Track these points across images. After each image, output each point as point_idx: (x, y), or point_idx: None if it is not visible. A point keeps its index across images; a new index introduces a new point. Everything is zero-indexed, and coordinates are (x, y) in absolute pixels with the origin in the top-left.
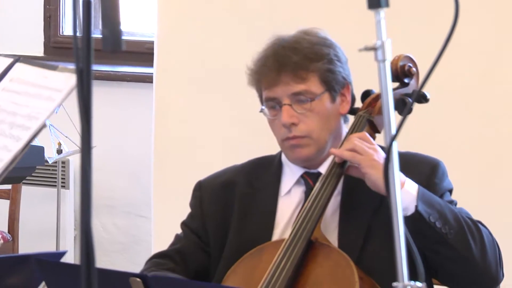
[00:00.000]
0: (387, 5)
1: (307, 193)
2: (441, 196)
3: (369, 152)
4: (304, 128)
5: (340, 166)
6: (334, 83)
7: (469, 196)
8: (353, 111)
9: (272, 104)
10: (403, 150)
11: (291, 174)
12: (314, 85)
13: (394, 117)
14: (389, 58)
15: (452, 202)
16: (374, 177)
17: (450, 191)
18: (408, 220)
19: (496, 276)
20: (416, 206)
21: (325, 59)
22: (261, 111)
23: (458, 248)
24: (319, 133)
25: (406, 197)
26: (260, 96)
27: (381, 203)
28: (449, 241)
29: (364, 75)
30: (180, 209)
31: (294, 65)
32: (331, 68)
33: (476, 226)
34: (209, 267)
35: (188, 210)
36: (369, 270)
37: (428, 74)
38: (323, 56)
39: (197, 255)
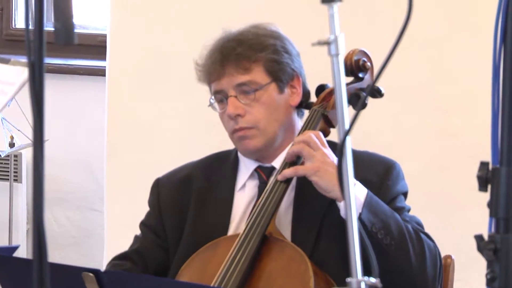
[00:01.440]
0: None
1: (260, 188)
2: (393, 200)
3: (316, 157)
4: (250, 118)
5: (293, 163)
6: (281, 74)
7: (422, 192)
8: (308, 105)
9: (220, 98)
10: (358, 148)
11: (245, 168)
12: (258, 76)
13: (347, 111)
14: (343, 52)
15: (403, 208)
16: (319, 184)
17: (405, 194)
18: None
19: None
20: (360, 214)
21: (269, 49)
22: (210, 105)
23: (397, 261)
24: (266, 124)
25: None
26: (210, 90)
27: (334, 201)
28: (389, 253)
29: (319, 69)
30: (133, 203)
31: (237, 56)
32: (276, 58)
33: (418, 239)
34: (168, 264)
35: (141, 204)
36: (322, 265)
37: (381, 68)
38: (267, 47)
39: (156, 253)
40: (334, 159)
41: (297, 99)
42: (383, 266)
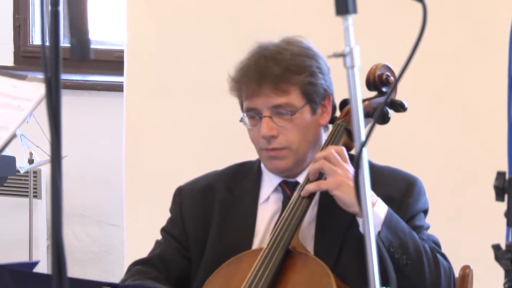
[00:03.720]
0: (355, 11)
1: (284, 202)
2: (413, 218)
3: (337, 172)
4: (283, 140)
5: (316, 179)
6: (315, 96)
7: (440, 203)
8: (332, 120)
9: (252, 114)
10: (383, 160)
11: (269, 182)
12: (295, 98)
13: (363, 123)
14: (358, 64)
15: (422, 227)
16: (341, 199)
17: (425, 211)
18: (379, 239)
19: None
20: (379, 232)
21: (307, 71)
22: (241, 120)
23: (412, 280)
24: (298, 145)
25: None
26: (241, 104)
27: (356, 216)
28: (405, 271)
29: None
30: (152, 217)
31: (276, 77)
32: (312, 81)
33: (435, 259)
34: (190, 272)
35: (160, 216)
36: (344, 278)
37: (396, 80)
38: (305, 69)
39: (178, 261)
40: (352, 174)
41: (327, 118)
42: (398, 283)
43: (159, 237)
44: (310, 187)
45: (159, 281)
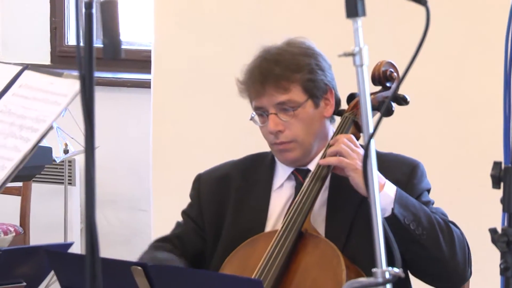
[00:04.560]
0: (364, 14)
1: (297, 188)
2: (419, 196)
3: (352, 155)
4: (289, 134)
5: (327, 166)
6: (316, 90)
7: (441, 190)
8: (339, 112)
9: (260, 112)
10: (386, 149)
11: (282, 170)
12: (296, 95)
13: (371, 116)
14: (366, 63)
15: (429, 202)
16: (356, 180)
17: (428, 190)
18: (385, 221)
19: (463, 274)
20: (393, 209)
21: (305, 69)
22: (251, 118)
23: (429, 248)
24: (303, 137)
25: (384, 199)
26: (251, 104)
27: (364, 198)
28: (422, 242)
29: (350, 78)
30: (176, 203)
31: (277, 77)
32: (312, 77)
33: (448, 227)
34: (205, 251)
35: (184, 202)
36: (353, 258)
37: (402, 77)
38: (304, 67)
39: (195, 240)
40: None
41: (330, 110)
42: (418, 254)
43: (182, 210)
44: (332, 160)
45: (174, 254)
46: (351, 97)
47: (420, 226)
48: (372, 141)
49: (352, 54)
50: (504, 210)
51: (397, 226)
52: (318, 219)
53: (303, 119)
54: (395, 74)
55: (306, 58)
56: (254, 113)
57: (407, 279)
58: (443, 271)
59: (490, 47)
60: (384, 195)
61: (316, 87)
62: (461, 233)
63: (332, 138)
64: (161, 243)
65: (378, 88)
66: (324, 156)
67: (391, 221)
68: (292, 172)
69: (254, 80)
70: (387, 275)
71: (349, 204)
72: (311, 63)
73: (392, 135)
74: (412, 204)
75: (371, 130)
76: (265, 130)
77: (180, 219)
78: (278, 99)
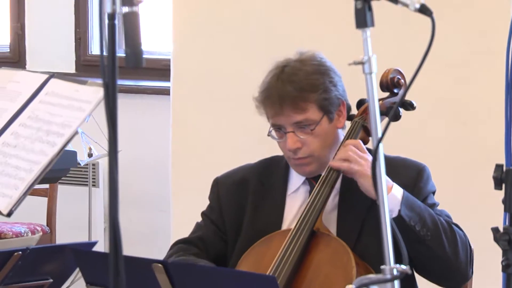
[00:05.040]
0: (372, 25)
1: (311, 192)
2: (425, 199)
3: (360, 162)
4: (307, 150)
5: (337, 170)
6: (330, 107)
7: (445, 192)
8: (349, 117)
9: (277, 129)
10: (393, 151)
11: (297, 176)
12: (312, 113)
13: (380, 121)
14: (375, 71)
15: (434, 205)
16: (366, 186)
17: (433, 193)
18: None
19: (465, 273)
20: (400, 210)
21: (320, 88)
22: (269, 134)
23: (433, 248)
24: (320, 152)
25: (392, 201)
26: (268, 120)
27: (373, 202)
28: (427, 242)
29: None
30: (195, 203)
31: (294, 98)
32: (326, 96)
33: (451, 229)
34: (226, 253)
35: (201, 203)
36: (363, 256)
37: (409, 84)
38: (319, 86)
39: (216, 243)
40: None
41: (343, 121)
42: (423, 254)
43: (202, 211)
44: (343, 165)
45: (200, 257)
46: (360, 103)
47: (425, 227)
48: (381, 145)
49: (362, 63)
50: (505, 210)
51: (403, 226)
52: (330, 221)
53: (319, 135)
54: (402, 80)
55: (320, 77)
56: (272, 128)
57: (412, 277)
58: (446, 270)
59: (492, 56)
60: (391, 197)
61: (331, 104)
62: (464, 235)
63: (342, 142)
64: (185, 245)
65: (386, 94)
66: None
67: (397, 221)
68: (306, 178)
69: (272, 101)
70: (395, 272)
71: (359, 207)
72: (325, 81)
73: (399, 139)
74: (418, 206)
75: (379, 134)
76: (282, 144)
77: (198, 219)
78: (295, 118)
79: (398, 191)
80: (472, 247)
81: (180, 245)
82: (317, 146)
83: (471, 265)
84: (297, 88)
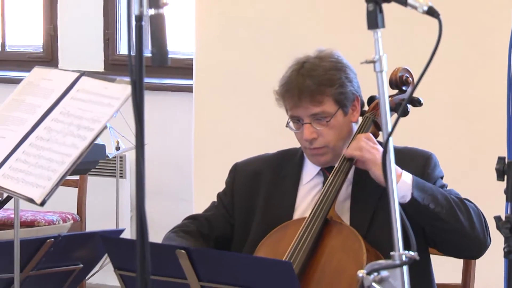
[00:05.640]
0: (383, 26)
1: (324, 182)
2: (434, 183)
3: (372, 151)
4: (322, 141)
5: (350, 159)
6: (346, 101)
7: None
8: (361, 113)
9: (295, 120)
10: (402, 145)
11: (312, 167)
12: (328, 106)
13: (390, 117)
14: (386, 69)
15: (443, 186)
16: (376, 173)
17: (442, 177)
18: (407, 205)
19: (484, 241)
20: (412, 193)
21: (337, 83)
22: (287, 125)
23: (450, 222)
24: (335, 143)
25: (403, 186)
26: (286, 111)
27: (384, 191)
28: (442, 217)
29: (369, 83)
30: (214, 193)
31: (312, 91)
32: (342, 90)
33: (463, 203)
34: (230, 236)
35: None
36: (374, 244)
37: (417, 82)
38: (335, 81)
39: (221, 225)
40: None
41: (357, 115)
42: (441, 228)
43: (218, 193)
44: (356, 153)
45: (192, 235)
46: (371, 99)
47: (439, 204)
48: (391, 139)
49: (373, 62)
50: (507, 200)
51: (418, 207)
52: (343, 210)
53: (334, 127)
54: (410, 79)
55: (337, 72)
56: (290, 120)
57: (428, 264)
58: (465, 240)
59: (495, 55)
60: (402, 183)
61: (346, 98)
62: (476, 206)
63: (354, 136)
64: (188, 221)
65: (395, 91)
66: (343, 156)
67: (412, 204)
68: (321, 169)
69: (291, 94)
70: (404, 258)
71: (371, 197)
72: (341, 77)
73: (407, 133)
74: (428, 187)
75: (389, 129)
76: (299, 135)
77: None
78: (312, 110)
79: (407, 177)
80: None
81: (183, 222)
82: (332, 138)
83: (487, 233)
84: (315, 83)
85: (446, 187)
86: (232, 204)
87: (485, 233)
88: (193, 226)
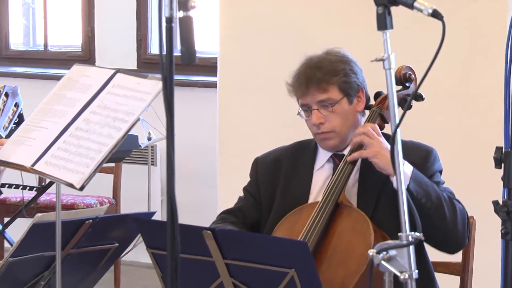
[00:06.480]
0: (391, 27)
1: (334, 169)
2: (432, 176)
3: (377, 138)
4: (329, 125)
5: (359, 148)
6: (350, 90)
7: (452, 171)
8: (368, 107)
9: (305, 108)
10: (406, 138)
11: (323, 154)
12: (334, 94)
13: (397, 111)
14: (394, 67)
15: (439, 182)
16: (379, 164)
17: (440, 172)
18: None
19: (462, 242)
20: (408, 185)
21: (341, 73)
22: (298, 113)
23: (434, 220)
24: (340, 128)
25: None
26: (298, 102)
27: (387, 178)
28: (430, 214)
29: (378, 79)
30: (237, 180)
31: (318, 80)
32: (346, 80)
33: (452, 203)
34: (261, 221)
35: (243, 180)
36: (380, 224)
37: (422, 79)
38: (340, 71)
39: (253, 212)
40: (387, 145)
41: (361, 106)
42: (426, 224)
43: (243, 187)
44: (355, 154)
45: (236, 226)
46: (377, 95)
47: (430, 200)
48: (398, 130)
49: (382, 60)
50: (504, 186)
51: (411, 199)
52: (351, 193)
53: (340, 113)
54: (413, 76)
55: (342, 64)
56: (300, 109)
57: (420, 243)
58: (445, 238)
59: (492, 52)
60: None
61: (350, 87)
62: (463, 208)
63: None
64: (226, 215)
65: (399, 87)
66: (351, 146)
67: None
68: (331, 156)
69: (300, 83)
70: (410, 238)
71: (376, 182)
72: (346, 68)
73: (410, 126)
74: (425, 182)
75: (397, 122)
76: (309, 122)
77: (240, 193)
78: (319, 97)
79: (408, 168)
80: (470, 220)
81: (222, 215)
82: (338, 123)
83: (467, 234)
84: (321, 72)
85: (443, 183)
86: (258, 193)
87: (465, 235)
88: (232, 218)
